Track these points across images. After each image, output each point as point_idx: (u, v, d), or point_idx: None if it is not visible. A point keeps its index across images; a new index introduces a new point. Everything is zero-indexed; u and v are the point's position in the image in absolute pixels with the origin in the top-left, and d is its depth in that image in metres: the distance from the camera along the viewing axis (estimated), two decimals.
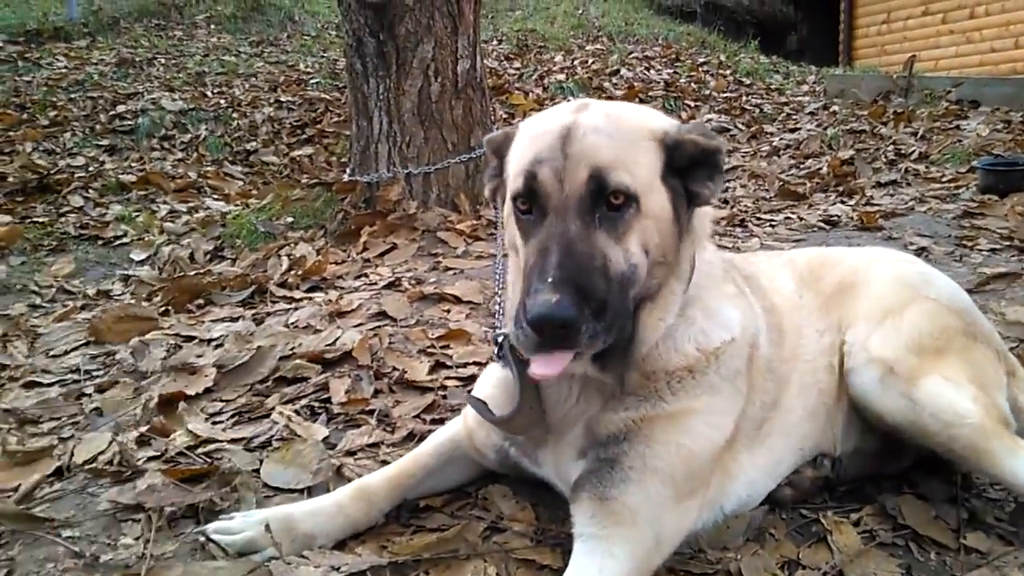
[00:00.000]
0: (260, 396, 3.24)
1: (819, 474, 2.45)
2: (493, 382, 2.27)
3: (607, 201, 1.81)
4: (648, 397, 2.01)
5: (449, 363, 3.43)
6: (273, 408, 3.07)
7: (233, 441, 2.77)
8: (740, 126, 11.21)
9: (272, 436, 2.79)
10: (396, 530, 2.24)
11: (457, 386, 3.20)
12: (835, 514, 2.32)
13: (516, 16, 17.68)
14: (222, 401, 3.20)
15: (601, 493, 1.92)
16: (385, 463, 2.51)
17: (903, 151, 8.73)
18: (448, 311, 4.15)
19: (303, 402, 3.12)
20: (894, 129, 9.74)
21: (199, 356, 3.60)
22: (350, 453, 2.67)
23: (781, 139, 10.32)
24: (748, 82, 13.69)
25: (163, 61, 12.66)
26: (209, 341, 3.82)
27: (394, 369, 3.37)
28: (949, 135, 9.12)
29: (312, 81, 11.70)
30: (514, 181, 1.92)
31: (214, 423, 2.98)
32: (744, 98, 12.56)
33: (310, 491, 2.42)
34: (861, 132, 9.87)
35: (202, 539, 2.10)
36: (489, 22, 16.73)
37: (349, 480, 2.42)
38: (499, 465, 2.36)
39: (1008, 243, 5.15)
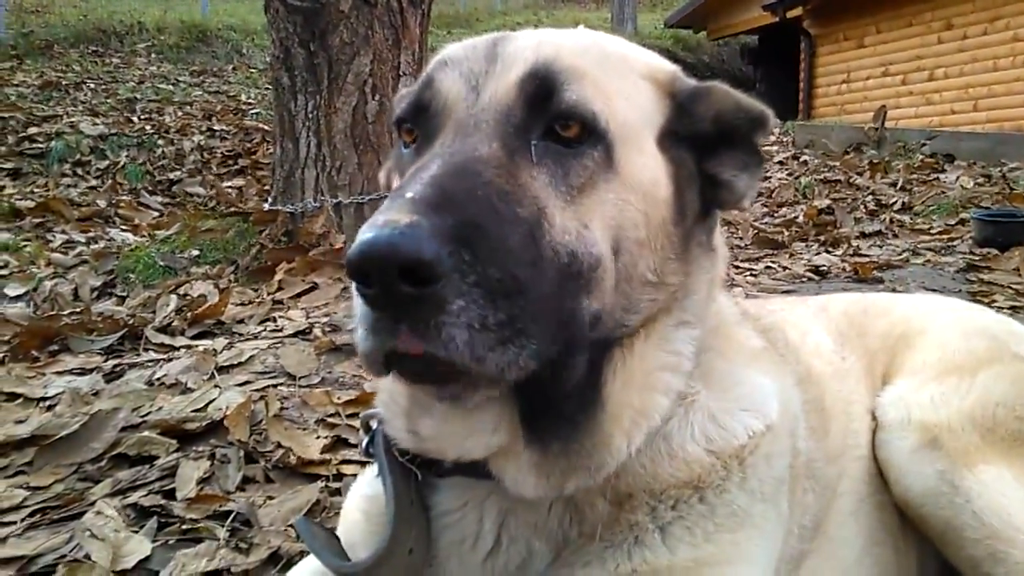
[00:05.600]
0: (86, 481, 2.33)
1: None
2: (359, 499, 1.40)
3: (551, 127, 1.05)
4: (626, 540, 1.14)
5: (353, 440, 2.54)
6: (94, 502, 2.15)
7: (4, 562, 1.84)
8: None
9: (65, 555, 1.87)
10: None
11: (356, 474, 2.30)
12: None
13: None
14: (29, 488, 2.27)
15: None
16: None
17: (884, 201, 8.19)
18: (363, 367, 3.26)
19: (137, 495, 2.20)
20: (871, 179, 9.24)
21: (18, 422, 2.66)
22: None
23: None
24: None
25: (92, 86, 11.76)
26: (39, 400, 2.88)
27: (278, 446, 2.48)
28: (931, 187, 8.62)
29: (252, 112, 10.88)
30: (402, 102, 1.17)
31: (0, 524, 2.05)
32: None
33: None
34: (836, 182, 9.33)
35: None
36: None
37: None
38: None
39: None
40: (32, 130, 9.21)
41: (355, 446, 2.49)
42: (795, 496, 1.36)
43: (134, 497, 2.19)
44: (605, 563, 1.12)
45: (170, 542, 1.95)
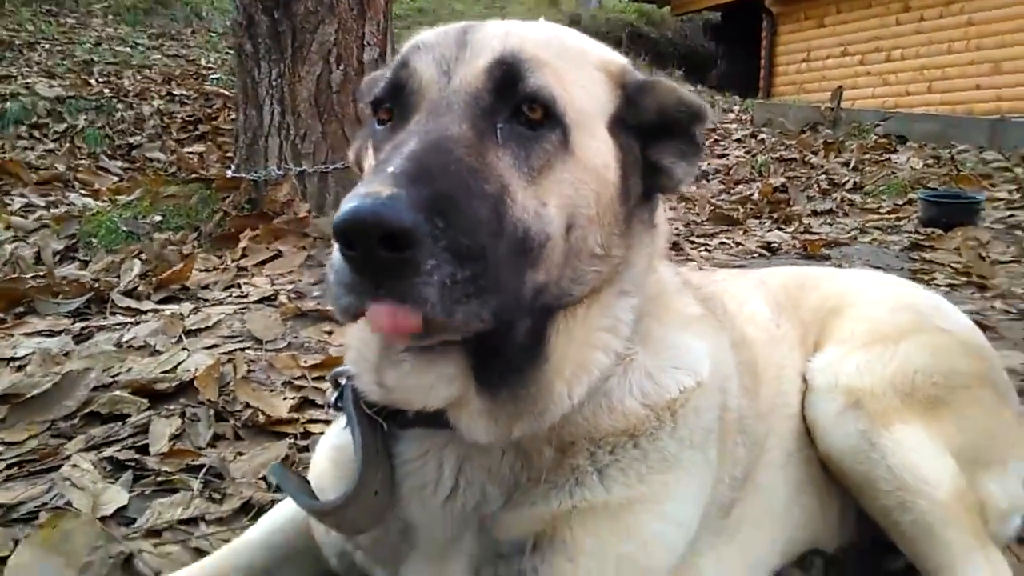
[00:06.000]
0: (59, 438, 2.41)
1: None
2: (328, 456, 1.51)
3: (517, 109, 1.16)
4: (567, 482, 1.27)
5: (320, 401, 2.65)
6: (69, 456, 2.23)
7: None
8: None
9: (46, 503, 1.96)
10: None
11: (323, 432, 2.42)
12: None
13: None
14: (3, 444, 2.35)
15: None
16: (199, 553, 1.73)
17: (836, 181, 8.42)
18: (330, 332, 3.36)
19: (112, 449, 2.29)
20: (825, 159, 9.48)
21: None
22: (152, 533, 1.85)
23: (709, 164, 9.90)
24: None
25: (47, 47, 11.48)
26: (9, 360, 2.94)
27: (246, 406, 2.58)
28: (882, 167, 8.88)
29: (212, 76, 10.75)
30: (377, 84, 1.26)
31: None
32: None
33: None
34: (791, 160, 9.55)
35: None
36: (411, 32, 16.04)
37: None
38: (345, 573, 1.55)
39: (966, 279, 4.71)
40: None
41: (321, 406, 2.60)
42: (726, 447, 1.51)
43: (108, 452, 2.28)
44: (549, 502, 1.25)
45: (146, 492, 2.06)
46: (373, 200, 0.91)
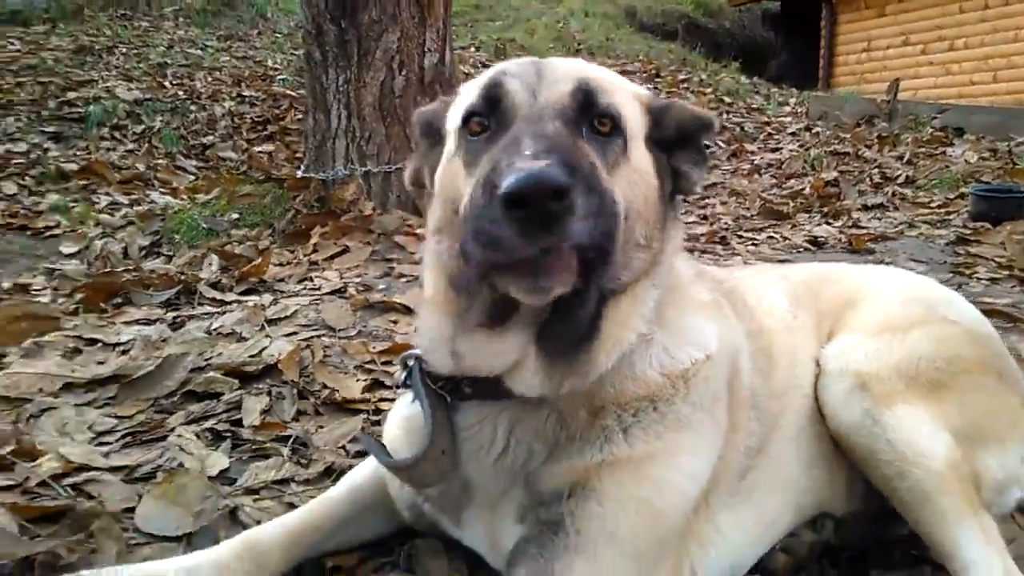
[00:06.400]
0: (163, 413, 2.75)
1: (819, 538, 2.01)
2: (399, 424, 1.81)
3: (593, 122, 1.47)
4: (598, 440, 1.54)
5: (388, 382, 2.96)
6: (173, 428, 2.58)
7: (113, 469, 2.27)
8: (721, 144, 10.89)
9: (161, 465, 2.30)
10: None
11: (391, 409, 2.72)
12: None
13: (496, 26, 17.34)
14: (116, 418, 2.70)
15: (542, 568, 1.46)
16: (291, 506, 2.04)
17: (889, 175, 8.45)
18: (396, 322, 3.68)
19: (210, 422, 2.63)
20: (879, 152, 9.49)
21: (99, 363, 3.10)
22: (251, 491, 2.18)
23: (762, 158, 10.00)
24: (729, 101, 13.42)
25: (124, 50, 12.08)
26: (115, 346, 3.31)
27: (324, 387, 2.90)
28: (936, 160, 8.87)
29: (279, 77, 11.22)
30: (467, 102, 1.56)
31: (99, 443, 2.48)
32: (725, 116, 12.26)
33: (191, 539, 1.94)
34: (844, 154, 9.59)
35: None
36: (468, 29, 16.38)
37: (244, 527, 1.94)
38: (416, 523, 1.88)
39: (1008, 272, 4.81)
40: (71, 95, 9.58)
41: (390, 387, 2.91)
42: (740, 420, 1.76)
43: (207, 425, 2.62)
44: (583, 456, 1.52)
45: (243, 458, 2.39)
46: (537, 170, 1.18)
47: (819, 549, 2.01)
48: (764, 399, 1.87)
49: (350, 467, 2.18)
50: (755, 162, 9.80)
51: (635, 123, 1.56)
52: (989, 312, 3.68)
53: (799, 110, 13.10)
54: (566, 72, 1.52)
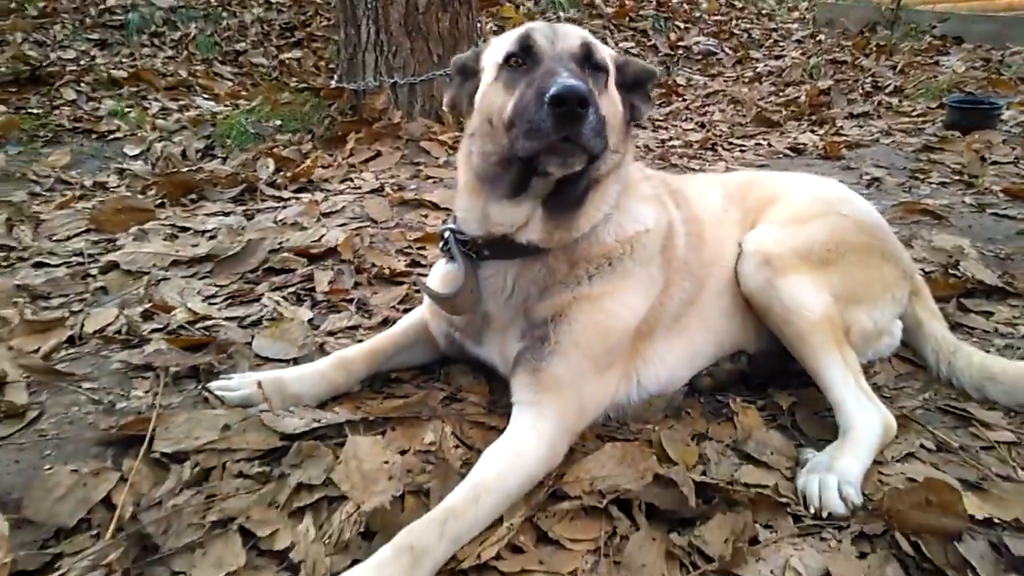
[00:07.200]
0: (250, 283, 3.57)
1: (736, 367, 2.83)
2: (439, 277, 2.59)
3: (591, 66, 2.20)
4: (572, 283, 2.33)
5: (423, 262, 3.78)
6: (262, 294, 3.41)
7: (228, 319, 3.11)
8: (727, 51, 11.35)
9: (262, 316, 3.14)
10: (369, 395, 2.61)
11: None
12: (743, 401, 2.71)
13: None
14: (216, 286, 3.53)
15: (534, 366, 2.27)
16: (362, 343, 2.88)
17: (880, 84, 8.95)
18: (426, 216, 4.47)
19: (290, 290, 3.46)
20: (875, 61, 9.93)
21: (194, 246, 3.92)
22: (331, 333, 3.02)
23: (765, 66, 10.49)
24: (740, 6, 13.72)
25: None
26: (203, 232, 4.13)
27: (373, 265, 3.71)
28: (926, 70, 9.34)
29: None
30: (504, 48, 2.24)
31: (210, 303, 3.31)
32: (734, 22, 12.64)
33: (296, 361, 2.78)
34: (843, 63, 10.06)
35: (205, 394, 2.47)
36: None
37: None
38: (448, 349, 2.72)
39: (958, 178, 5.47)
40: (110, 2, 10.15)
41: (425, 265, 3.73)
42: (675, 279, 2.56)
43: (288, 291, 3.45)
44: (563, 294, 2.32)
45: (321, 312, 3.23)
46: (573, 83, 1.90)
47: (736, 376, 2.83)
48: (695, 267, 2.67)
49: (401, 317, 3.01)
50: (758, 70, 10.30)
51: (612, 70, 2.32)
52: (920, 210, 4.45)
53: (807, 16, 13.40)
54: (572, 31, 2.26)
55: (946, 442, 2.49)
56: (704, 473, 2.26)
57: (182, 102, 7.86)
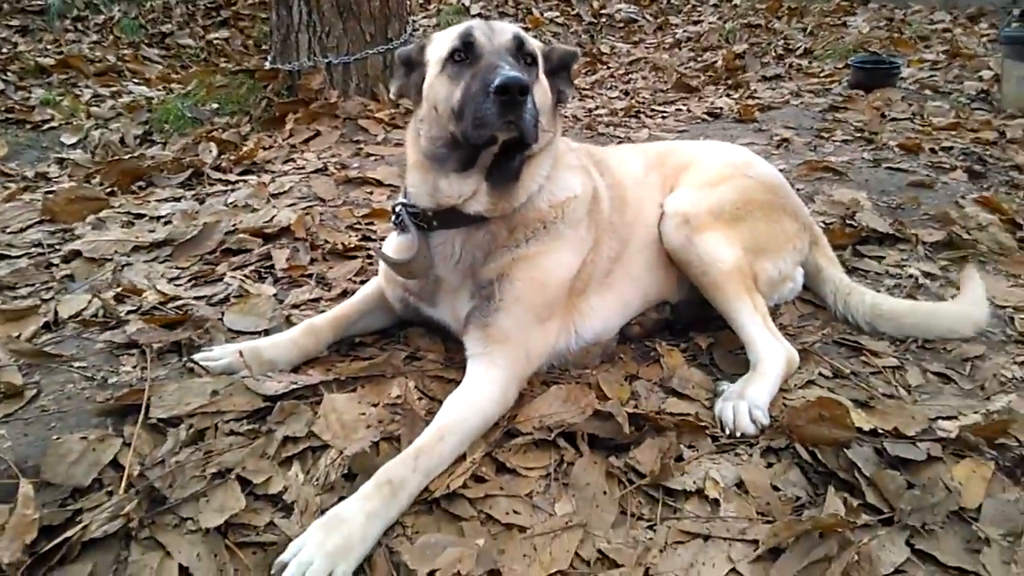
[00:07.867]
0: (211, 264, 3.79)
1: (661, 316, 3.20)
2: (392, 247, 2.88)
3: (523, 57, 2.50)
4: (512, 246, 2.66)
5: (373, 236, 4.05)
6: (224, 274, 3.64)
7: (196, 299, 3.35)
8: (648, 17, 11.72)
9: (228, 294, 3.39)
10: (338, 359, 2.90)
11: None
12: (668, 344, 3.09)
13: None
14: (179, 268, 3.75)
15: (483, 322, 2.60)
16: (325, 312, 3.16)
17: (791, 46, 9.44)
18: (371, 193, 4.73)
19: (250, 268, 3.70)
20: (787, 24, 10.41)
21: (151, 231, 4.11)
22: (295, 306, 3.29)
23: (684, 31, 10.90)
24: None
25: None
26: (158, 218, 4.32)
27: (326, 241, 3.97)
28: (834, 31, 9.86)
29: None
30: (448, 44, 2.52)
31: (176, 284, 3.54)
32: None
33: (266, 332, 3.05)
34: (757, 26, 10.52)
35: (190, 365, 2.73)
36: None
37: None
38: (404, 313, 3.01)
39: (859, 135, 5.95)
40: None
41: (374, 240, 4.00)
42: (603, 240, 2.90)
43: (248, 270, 3.69)
44: (505, 256, 2.64)
45: (283, 288, 3.49)
46: (515, 74, 2.20)
47: (661, 324, 3.21)
48: (619, 227, 3.02)
49: (358, 288, 3.30)
50: (677, 36, 10.71)
51: (541, 59, 2.63)
52: (822, 168, 4.88)
53: None
54: (506, 27, 2.57)
55: (840, 369, 2.92)
56: (636, 406, 2.63)
57: (114, 88, 7.88)
